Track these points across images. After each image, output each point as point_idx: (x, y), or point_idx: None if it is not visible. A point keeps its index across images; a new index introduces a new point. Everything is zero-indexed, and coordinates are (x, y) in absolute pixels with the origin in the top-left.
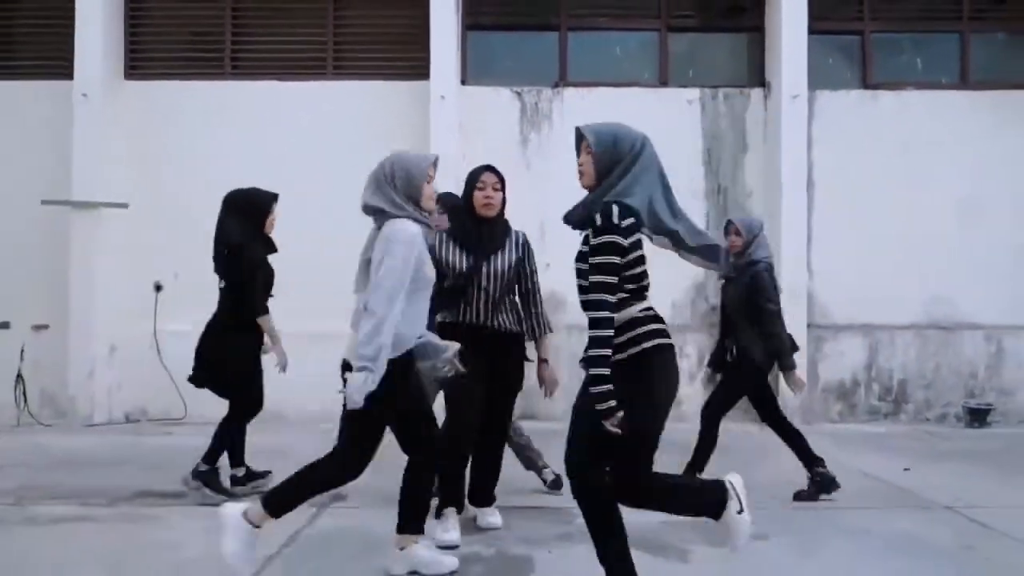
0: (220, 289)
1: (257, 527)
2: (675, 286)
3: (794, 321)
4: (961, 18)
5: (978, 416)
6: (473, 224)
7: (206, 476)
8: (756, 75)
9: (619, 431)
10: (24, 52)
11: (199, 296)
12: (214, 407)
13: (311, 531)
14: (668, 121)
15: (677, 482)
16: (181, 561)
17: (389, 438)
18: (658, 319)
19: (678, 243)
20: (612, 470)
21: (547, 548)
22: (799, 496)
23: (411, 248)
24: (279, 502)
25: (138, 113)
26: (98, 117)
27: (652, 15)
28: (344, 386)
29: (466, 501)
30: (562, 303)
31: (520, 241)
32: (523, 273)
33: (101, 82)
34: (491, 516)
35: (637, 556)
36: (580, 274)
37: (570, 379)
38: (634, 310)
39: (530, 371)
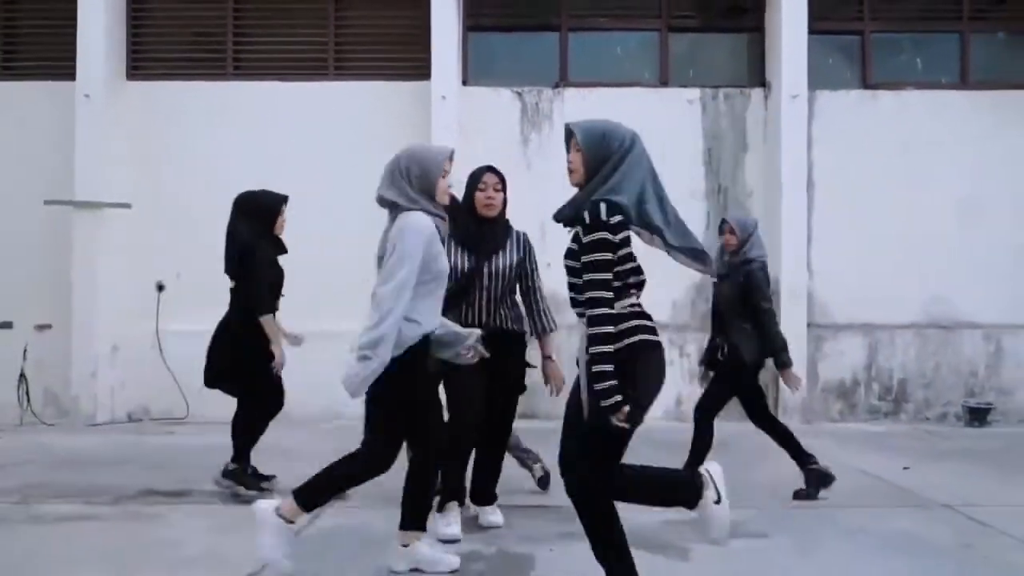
0: (231, 290)
1: (291, 522)
2: (675, 286)
3: (794, 321)
4: (961, 18)
5: (978, 415)
6: (474, 224)
7: (236, 475)
8: (756, 75)
9: (626, 427)
10: (27, 53)
11: (201, 296)
12: (216, 407)
13: (311, 531)
14: (669, 121)
15: (646, 472)
16: (183, 559)
17: None
18: (644, 315)
19: (666, 242)
20: (580, 459)
21: (548, 546)
22: (799, 495)
23: (421, 240)
24: (310, 497)
25: (140, 113)
26: (100, 118)
27: (652, 15)
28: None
29: (467, 499)
30: (563, 303)
31: (521, 240)
32: (525, 272)
33: (103, 83)
34: (492, 515)
35: (636, 555)
36: (570, 271)
37: (571, 378)
38: (618, 306)
39: (531, 370)
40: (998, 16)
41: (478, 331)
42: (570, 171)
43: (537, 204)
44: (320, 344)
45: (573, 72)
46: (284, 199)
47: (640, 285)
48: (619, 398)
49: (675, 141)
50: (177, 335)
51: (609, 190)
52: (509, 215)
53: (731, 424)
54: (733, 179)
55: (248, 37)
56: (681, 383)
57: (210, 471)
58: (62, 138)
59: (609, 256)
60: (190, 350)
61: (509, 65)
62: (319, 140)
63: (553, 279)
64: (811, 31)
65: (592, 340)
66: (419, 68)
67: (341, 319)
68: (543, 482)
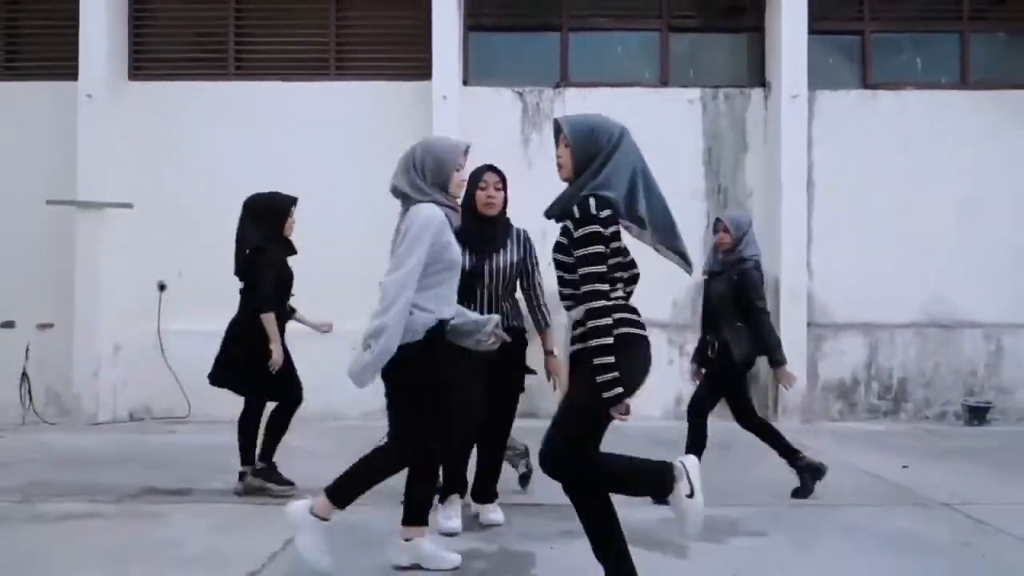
0: (240, 291)
1: (325, 520)
2: (676, 285)
3: (794, 321)
4: (961, 18)
5: (977, 414)
6: (475, 223)
7: (265, 473)
8: (756, 75)
9: (626, 419)
10: (28, 53)
11: (203, 295)
12: (217, 406)
13: None
14: (669, 121)
15: (617, 461)
16: (185, 557)
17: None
18: (629, 308)
19: (652, 237)
20: (551, 443)
21: (548, 544)
22: (797, 493)
23: (429, 231)
24: (342, 493)
25: (142, 113)
26: (102, 118)
27: (653, 15)
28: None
29: (468, 496)
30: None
31: (522, 238)
32: (526, 270)
33: (105, 83)
34: (493, 513)
35: (635, 553)
36: (559, 265)
37: None
38: None
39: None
40: (998, 16)
41: (497, 317)
42: (559, 166)
43: (538, 204)
44: (320, 344)
45: (574, 72)
46: (293, 201)
47: (634, 279)
48: (620, 390)
49: (675, 141)
50: (179, 334)
51: (598, 185)
52: (510, 215)
53: (731, 424)
54: (733, 179)
55: (249, 37)
56: (681, 382)
57: (211, 470)
58: (64, 138)
59: (602, 249)
60: (192, 349)
61: (510, 65)
62: (320, 140)
63: (554, 278)
64: (811, 31)
65: (594, 332)
66: (420, 68)
67: (341, 319)
68: (523, 480)
